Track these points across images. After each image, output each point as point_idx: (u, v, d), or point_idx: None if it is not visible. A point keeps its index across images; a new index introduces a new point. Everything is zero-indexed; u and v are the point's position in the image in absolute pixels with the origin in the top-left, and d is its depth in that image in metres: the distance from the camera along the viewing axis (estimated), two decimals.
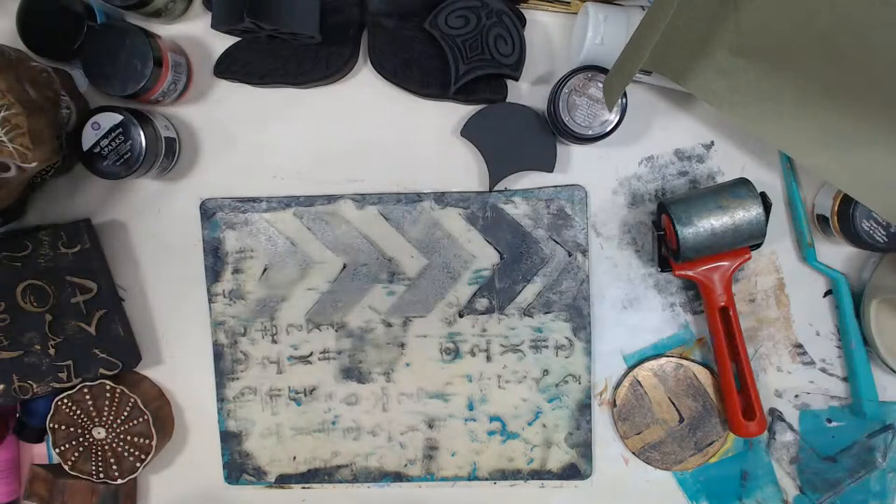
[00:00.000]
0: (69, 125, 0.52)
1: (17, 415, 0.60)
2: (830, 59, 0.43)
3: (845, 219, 0.52)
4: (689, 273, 0.55)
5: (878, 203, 0.48)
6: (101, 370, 0.57)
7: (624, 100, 0.52)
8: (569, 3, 0.56)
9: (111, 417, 0.57)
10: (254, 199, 0.58)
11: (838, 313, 0.57)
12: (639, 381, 0.58)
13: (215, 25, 0.54)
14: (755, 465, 0.59)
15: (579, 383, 0.59)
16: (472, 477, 0.60)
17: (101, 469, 0.57)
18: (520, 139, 0.56)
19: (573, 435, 0.59)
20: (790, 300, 0.58)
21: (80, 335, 0.56)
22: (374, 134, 0.58)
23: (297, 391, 0.60)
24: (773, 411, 0.59)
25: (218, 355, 0.60)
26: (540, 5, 0.56)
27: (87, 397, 0.57)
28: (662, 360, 0.58)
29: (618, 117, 0.53)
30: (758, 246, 0.54)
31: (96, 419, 0.57)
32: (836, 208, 0.53)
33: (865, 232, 0.52)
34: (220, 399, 0.60)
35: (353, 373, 0.60)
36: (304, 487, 0.61)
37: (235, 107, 0.58)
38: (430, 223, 0.58)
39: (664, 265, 0.56)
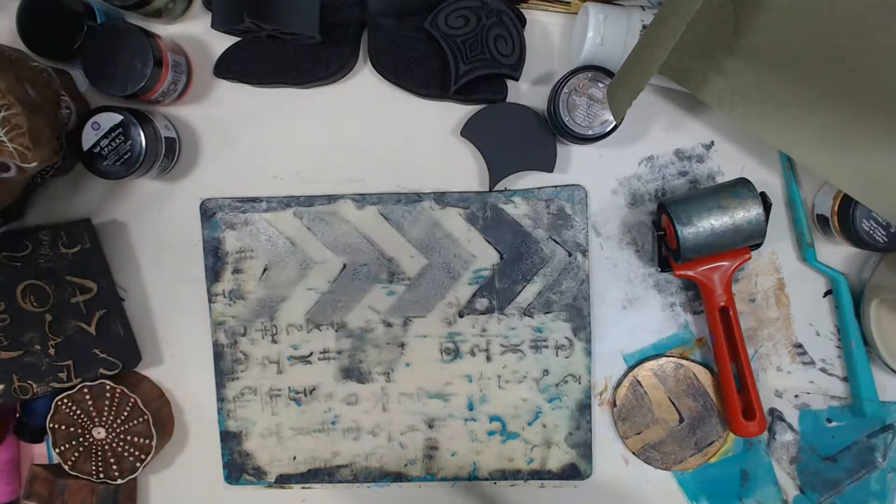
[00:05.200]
0: (69, 125, 0.52)
1: (17, 415, 0.60)
2: (830, 60, 0.43)
3: (845, 219, 0.52)
4: (689, 273, 0.55)
5: (878, 203, 0.47)
6: (101, 370, 0.57)
7: None
8: (569, 3, 0.56)
9: (111, 417, 0.57)
10: (254, 199, 0.58)
11: (838, 313, 0.57)
12: (639, 381, 0.58)
13: (215, 25, 0.54)
14: (755, 465, 0.59)
15: (579, 383, 0.59)
16: (472, 477, 0.60)
17: (101, 469, 0.57)
18: (520, 139, 0.56)
19: (573, 435, 0.59)
20: (790, 300, 0.58)
21: (80, 335, 0.56)
22: (374, 134, 0.58)
23: (297, 391, 0.60)
24: (773, 411, 0.59)
25: (218, 355, 0.60)
26: (540, 5, 0.56)
27: (87, 397, 0.57)
28: (662, 360, 0.58)
29: None
30: (758, 246, 0.54)
31: (96, 419, 0.57)
32: (836, 208, 0.53)
33: (865, 232, 0.52)
34: (220, 399, 0.60)
35: (353, 373, 0.60)
36: (304, 487, 0.61)
37: (235, 107, 0.58)
38: (430, 223, 0.58)
39: (664, 265, 0.56)
